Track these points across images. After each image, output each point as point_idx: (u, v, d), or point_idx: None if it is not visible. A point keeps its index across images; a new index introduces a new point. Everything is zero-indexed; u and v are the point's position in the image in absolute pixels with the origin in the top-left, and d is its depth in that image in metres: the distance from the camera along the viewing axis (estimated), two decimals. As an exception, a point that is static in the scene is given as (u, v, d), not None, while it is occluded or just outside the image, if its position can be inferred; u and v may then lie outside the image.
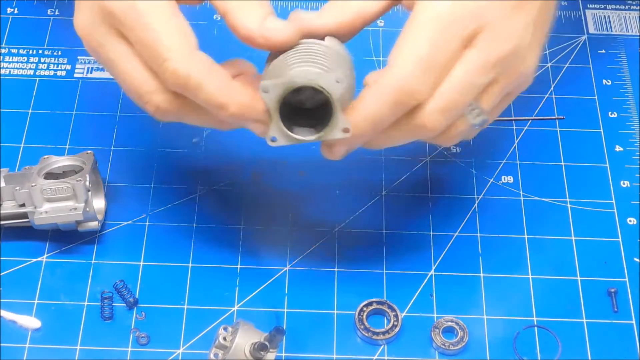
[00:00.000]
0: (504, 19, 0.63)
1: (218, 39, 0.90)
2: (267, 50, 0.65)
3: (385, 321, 0.73)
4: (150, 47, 0.61)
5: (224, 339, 0.68)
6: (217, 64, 0.63)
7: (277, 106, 0.61)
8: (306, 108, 0.64)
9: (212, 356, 0.68)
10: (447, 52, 0.62)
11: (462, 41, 0.62)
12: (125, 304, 0.74)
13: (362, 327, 0.73)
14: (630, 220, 0.80)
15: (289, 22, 0.64)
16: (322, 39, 0.65)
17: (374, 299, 0.74)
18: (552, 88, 0.88)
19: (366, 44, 0.91)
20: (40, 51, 0.90)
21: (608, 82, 0.89)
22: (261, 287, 0.75)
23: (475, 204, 0.80)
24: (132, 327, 0.73)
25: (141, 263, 0.76)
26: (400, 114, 0.63)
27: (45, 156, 0.78)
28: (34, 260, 0.76)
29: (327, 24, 0.65)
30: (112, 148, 0.83)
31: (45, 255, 0.77)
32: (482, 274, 0.76)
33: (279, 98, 0.61)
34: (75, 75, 0.88)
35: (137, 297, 0.74)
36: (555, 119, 0.86)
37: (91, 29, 0.66)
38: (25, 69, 0.88)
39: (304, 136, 0.62)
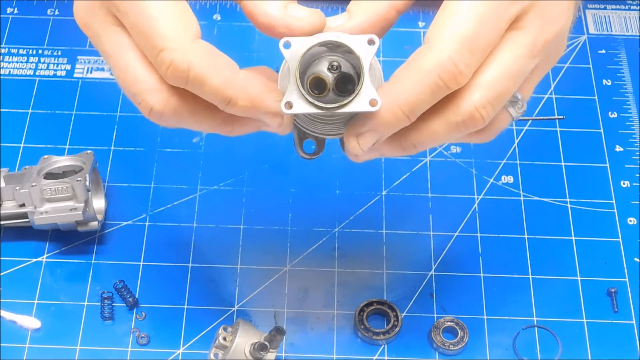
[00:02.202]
0: None
1: (218, 39, 0.90)
2: None
3: (385, 321, 0.73)
4: (146, 34, 0.55)
5: (224, 339, 0.68)
6: (221, 53, 0.56)
7: (297, 65, 0.54)
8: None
9: (212, 356, 0.68)
10: (494, 32, 0.55)
11: (508, 20, 0.55)
12: (125, 304, 0.74)
13: (362, 327, 0.73)
14: (630, 220, 0.80)
15: (314, 11, 0.57)
16: None
17: (374, 299, 0.74)
18: (552, 88, 0.88)
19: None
20: (40, 51, 0.90)
21: (608, 82, 0.89)
22: (261, 287, 0.75)
23: (475, 204, 0.80)
24: (132, 327, 0.73)
25: (141, 263, 0.76)
26: (436, 100, 0.55)
27: (45, 156, 0.77)
28: (34, 260, 0.76)
29: (361, 24, 0.58)
30: (112, 148, 0.83)
31: (45, 255, 0.77)
32: (482, 274, 0.76)
33: (301, 55, 0.54)
34: (75, 75, 0.88)
35: (137, 297, 0.74)
36: (556, 119, 0.86)
37: (88, 17, 0.59)
38: (25, 69, 0.88)
39: (325, 104, 0.54)
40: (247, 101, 0.55)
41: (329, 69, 0.54)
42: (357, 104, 0.54)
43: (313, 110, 0.54)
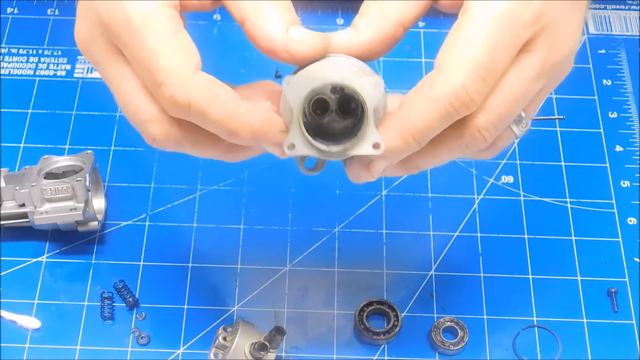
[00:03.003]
0: (563, 20, 0.56)
1: (218, 39, 0.90)
2: (292, 64, 0.57)
3: (385, 321, 0.73)
4: (146, 67, 0.54)
5: (224, 339, 0.68)
6: (222, 84, 0.55)
7: (301, 107, 0.53)
8: (328, 133, 0.56)
9: (212, 356, 0.68)
10: (506, 58, 0.54)
11: (519, 45, 0.55)
12: (125, 304, 0.74)
13: (362, 327, 0.73)
14: (630, 220, 0.80)
15: (317, 34, 0.56)
16: None
17: (374, 299, 0.74)
18: (552, 88, 0.88)
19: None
20: (40, 51, 0.90)
21: (608, 82, 0.89)
22: (261, 287, 0.75)
23: (475, 204, 0.80)
24: (132, 327, 0.73)
25: (141, 263, 0.76)
26: (446, 126, 0.55)
27: (45, 156, 0.77)
28: (34, 260, 0.76)
29: (368, 41, 0.57)
30: (112, 148, 0.83)
31: (45, 255, 0.77)
32: (482, 274, 0.76)
33: (304, 97, 0.53)
34: (75, 75, 0.88)
35: (137, 297, 0.74)
36: (556, 119, 0.86)
37: (89, 44, 0.58)
38: (25, 69, 0.88)
39: (327, 147, 0.54)
40: (250, 133, 0.54)
41: (331, 90, 0.54)
42: (361, 147, 0.54)
43: (315, 154, 0.54)
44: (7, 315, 0.73)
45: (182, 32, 0.55)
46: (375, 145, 0.54)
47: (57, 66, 0.89)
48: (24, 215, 0.75)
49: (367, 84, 0.53)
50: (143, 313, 0.74)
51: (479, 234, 0.78)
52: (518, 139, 0.60)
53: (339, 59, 0.56)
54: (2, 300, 0.74)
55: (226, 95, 0.54)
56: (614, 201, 0.81)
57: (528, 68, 0.55)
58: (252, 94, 0.57)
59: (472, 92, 0.53)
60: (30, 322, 0.73)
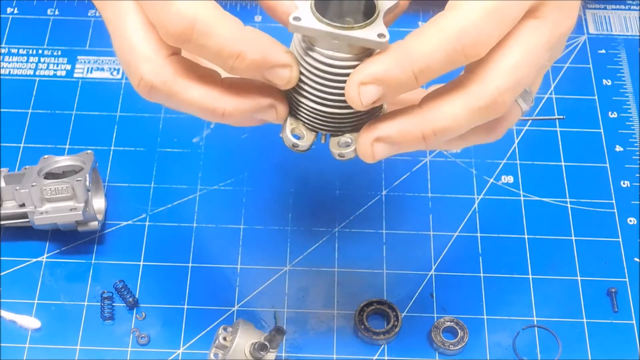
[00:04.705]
0: None
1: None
2: None
3: (385, 321, 0.73)
4: None
5: (224, 339, 0.68)
6: (226, 12, 0.54)
7: None
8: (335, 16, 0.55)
9: (212, 356, 0.68)
10: (519, 8, 0.53)
11: (529, 4, 0.54)
12: (125, 304, 0.74)
13: (362, 327, 0.73)
14: (630, 220, 0.80)
15: None
16: None
17: (374, 299, 0.74)
18: (552, 88, 0.88)
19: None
20: (40, 51, 0.90)
21: (608, 82, 0.89)
22: (261, 287, 0.75)
23: (475, 204, 0.80)
24: (132, 327, 0.73)
25: (141, 263, 0.76)
26: (447, 70, 0.53)
27: (45, 156, 0.77)
28: (34, 260, 0.76)
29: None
30: (112, 148, 0.83)
31: (45, 255, 0.77)
32: (482, 274, 0.76)
33: None
34: (75, 75, 0.88)
35: (137, 297, 0.74)
36: (556, 119, 0.86)
37: None
38: (25, 69, 0.88)
39: (334, 28, 0.52)
40: (258, 53, 0.53)
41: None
42: (366, 33, 0.52)
43: (321, 27, 0.52)
44: (7, 315, 0.73)
45: None
46: (380, 35, 0.52)
47: (57, 66, 0.89)
48: (24, 215, 0.75)
49: None
50: (143, 313, 0.74)
51: (479, 234, 0.78)
52: (522, 115, 0.59)
53: None
54: (2, 300, 0.74)
55: (231, 17, 0.53)
56: (614, 201, 0.81)
57: (540, 34, 0.55)
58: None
59: (483, 33, 0.52)
60: (30, 322, 0.73)
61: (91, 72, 0.88)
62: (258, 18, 0.91)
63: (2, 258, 0.76)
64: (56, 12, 0.93)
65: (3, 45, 0.90)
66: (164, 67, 0.55)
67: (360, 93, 0.53)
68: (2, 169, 0.78)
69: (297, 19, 0.52)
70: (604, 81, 0.89)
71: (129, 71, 0.56)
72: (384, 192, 0.81)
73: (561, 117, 0.86)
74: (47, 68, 0.88)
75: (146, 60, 0.54)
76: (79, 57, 0.89)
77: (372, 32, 0.52)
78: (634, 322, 0.74)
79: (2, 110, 0.85)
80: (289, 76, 0.54)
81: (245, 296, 0.75)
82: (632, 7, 0.95)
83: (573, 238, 0.78)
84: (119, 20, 0.56)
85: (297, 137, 0.57)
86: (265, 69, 0.54)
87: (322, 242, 0.78)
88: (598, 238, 0.78)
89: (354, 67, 0.53)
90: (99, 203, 0.78)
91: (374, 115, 0.58)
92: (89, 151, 0.78)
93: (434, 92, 0.56)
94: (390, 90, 0.53)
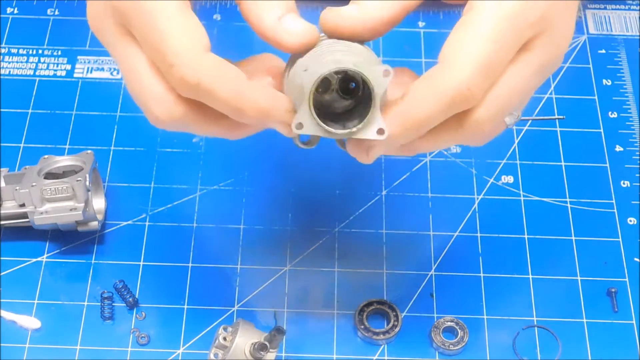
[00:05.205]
0: (562, 20, 0.58)
1: (218, 39, 0.90)
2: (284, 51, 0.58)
3: (385, 321, 0.73)
4: (156, 49, 0.56)
5: (224, 339, 0.68)
6: (230, 65, 0.56)
7: (312, 89, 0.54)
8: (329, 113, 0.58)
9: (212, 356, 0.68)
10: (509, 56, 0.56)
11: (521, 44, 0.57)
12: (125, 304, 0.74)
13: (362, 327, 0.73)
14: (630, 220, 0.80)
15: (309, 26, 0.57)
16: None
17: (374, 299, 0.74)
18: (552, 88, 0.88)
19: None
20: (40, 51, 0.90)
21: (608, 82, 0.89)
22: (261, 287, 0.75)
23: (475, 204, 0.80)
24: (132, 327, 0.73)
25: (141, 263, 0.76)
26: (445, 118, 0.57)
27: (45, 156, 0.77)
28: (34, 260, 0.76)
29: (372, 18, 0.58)
30: (112, 148, 0.83)
31: (45, 255, 0.77)
32: (482, 274, 0.76)
33: (317, 79, 0.54)
34: (75, 75, 0.88)
35: (137, 297, 0.74)
36: (556, 119, 0.86)
37: (100, 24, 0.60)
38: (25, 69, 0.88)
39: (334, 130, 0.56)
40: (257, 112, 0.56)
41: (335, 72, 0.55)
42: (366, 132, 0.56)
43: (322, 134, 0.56)
44: (7, 315, 0.73)
45: (190, 14, 0.56)
46: (380, 131, 0.55)
47: (57, 66, 0.89)
48: (24, 215, 0.75)
49: (378, 73, 0.54)
50: (143, 313, 0.74)
51: (479, 234, 0.78)
52: (509, 127, 0.61)
53: (347, 43, 0.57)
54: (2, 300, 0.74)
55: (233, 75, 0.56)
56: (614, 201, 0.81)
57: (527, 66, 0.57)
58: (253, 70, 0.59)
59: (474, 88, 0.55)
60: (30, 322, 0.73)
61: (91, 72, 0.88)
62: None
63: (2, 258, 0.76)
64: (56, 12, 0.93)
65: (3, 45, 0.90)
66: (176, 106, 0.57)
67: (368, 154, 0.58)
68: (2, 169, 0.78)
69: (299, 126, 0.55)
70: (604, 81, 0.89)
71: (143, 109, 0.58)
72: (384, 192, 0.81)
73: (561, 117, 0.86)
74: (47, 68, 0.88)
75: (158, 101, 0.57)
76: (79, 57, 0.89)
77: (372, 129, 0.55)
78: (634, 322, 0.74)
79: (2, 110, 0.85)
80: (287, 131, 0.57)
81: (245, 296, 0.75)
82: (632, 7, 0.95)
83: (573, 238, 0.78)
84: (129, 63, 0.58)
85: (306, 138, 0.59)
86: (267, 122, 0.57)
87: (322, 242, 0.78)
88: (598, 238, 0.78)
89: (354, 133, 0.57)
90: (99, 203, 0.78)
91: None
92: (89, 151, 0.78)
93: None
94: (396, 145, 0.58)
